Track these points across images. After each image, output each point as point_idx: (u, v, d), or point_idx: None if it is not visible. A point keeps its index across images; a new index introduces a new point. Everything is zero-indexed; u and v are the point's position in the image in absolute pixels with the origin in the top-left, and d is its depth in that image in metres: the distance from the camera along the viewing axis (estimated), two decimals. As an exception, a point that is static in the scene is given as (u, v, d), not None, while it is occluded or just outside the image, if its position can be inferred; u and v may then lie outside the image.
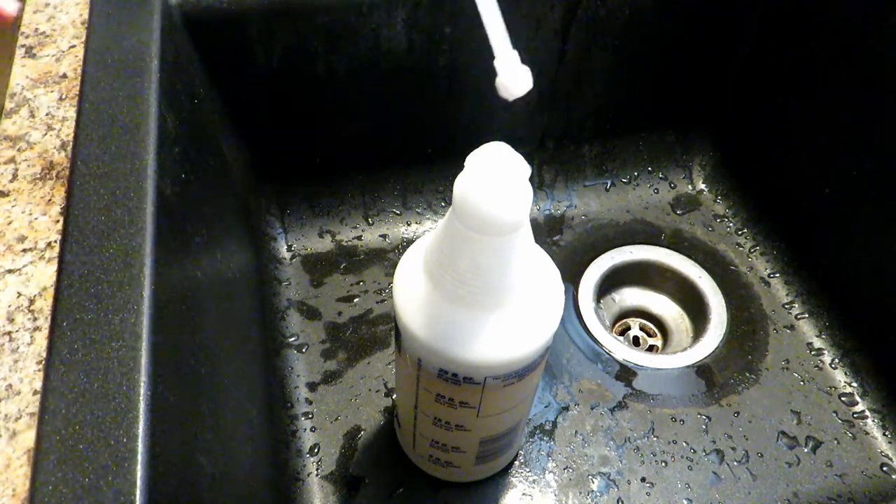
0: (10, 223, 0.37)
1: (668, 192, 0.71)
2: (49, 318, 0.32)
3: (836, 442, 0.54)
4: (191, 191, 0.43)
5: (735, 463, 0.52)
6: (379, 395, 0.55)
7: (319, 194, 0.65)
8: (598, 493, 0.51)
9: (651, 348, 0.62)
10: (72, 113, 0.42)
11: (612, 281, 0.64)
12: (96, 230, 0.34)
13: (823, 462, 0.53)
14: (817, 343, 0.60)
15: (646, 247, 0.66)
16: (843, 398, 0.56)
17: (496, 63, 0.29)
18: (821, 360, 0.59)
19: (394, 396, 0.54)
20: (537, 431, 0.53)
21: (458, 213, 0.31)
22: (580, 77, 0.63)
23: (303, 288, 0.61)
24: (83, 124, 0.39)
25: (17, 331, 0.33)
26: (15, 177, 0.39)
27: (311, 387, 0.55)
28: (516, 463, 0.52)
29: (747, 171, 0.69)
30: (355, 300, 0.61)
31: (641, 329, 0.64)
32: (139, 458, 0.27)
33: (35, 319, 0.33)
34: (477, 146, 0.30)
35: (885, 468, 0.53)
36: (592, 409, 0.55)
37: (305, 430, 0.53)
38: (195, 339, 0.37)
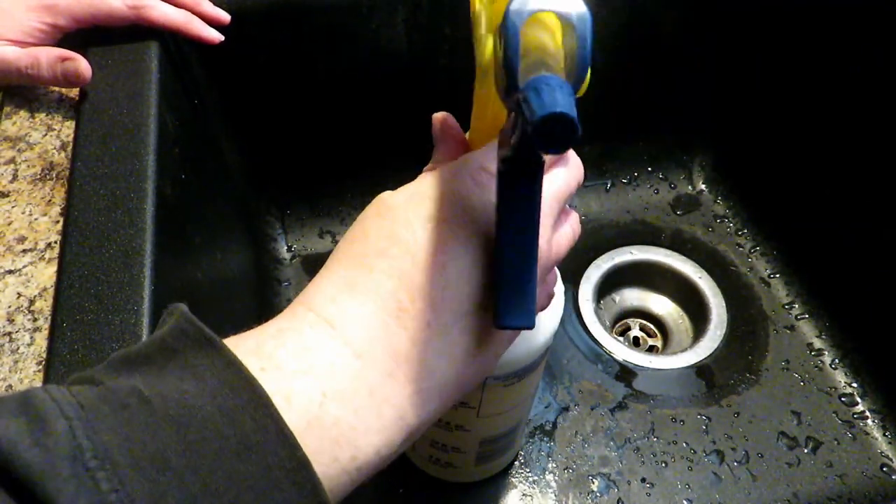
0: (10, 223, 0.37)
1: (669, 192, 0.71)
2: (49, 318, 0.32)
3: (836, 442, 0.54)
4: (191, 191, 0.43)
5: (735, 463, 0.52)
6: (379, 395, 0.55)
7: (319, 195, 0.65)
8: (598, 494, 0.51)
9: (651, 349, 0.62)
10: (72, 113, 0.42)
11: (613, 281, 0.64)
12: (96, 230, 0.34)
13: (823, 462, 0.53)
14: (817, 343, 0.60)
15: (646, 247, 0.66)
16: (843, 398, 0.56)
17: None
18: (821, 361, 0.59)
19: (394, 397, 0.54)
20: (537, 432, 0.53)
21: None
22: (580, 77, 0.63)
23: (303, 288, 0.61)
24: (83, 124, 0.39)
25: (17, 331, 0.33)
26: (15, 177, 0.39)
27: (311, 387, 0.55)
28: (516, 463, 0.52)
29: (747, 171, 0.69)
30: (355, 300, 0.60)
31: (641, 329, 0.64)
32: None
33: (35, 320, 0.33)
34: (477, 146, 0.30)
35: (885, 468, 0.53)
36: (592, 409, 0.55)
37: (305, 430, 0.53)
38: (195, 340, 0.37)
